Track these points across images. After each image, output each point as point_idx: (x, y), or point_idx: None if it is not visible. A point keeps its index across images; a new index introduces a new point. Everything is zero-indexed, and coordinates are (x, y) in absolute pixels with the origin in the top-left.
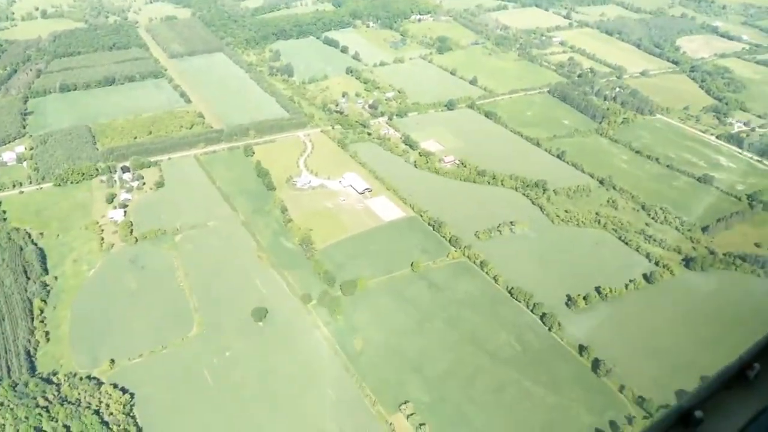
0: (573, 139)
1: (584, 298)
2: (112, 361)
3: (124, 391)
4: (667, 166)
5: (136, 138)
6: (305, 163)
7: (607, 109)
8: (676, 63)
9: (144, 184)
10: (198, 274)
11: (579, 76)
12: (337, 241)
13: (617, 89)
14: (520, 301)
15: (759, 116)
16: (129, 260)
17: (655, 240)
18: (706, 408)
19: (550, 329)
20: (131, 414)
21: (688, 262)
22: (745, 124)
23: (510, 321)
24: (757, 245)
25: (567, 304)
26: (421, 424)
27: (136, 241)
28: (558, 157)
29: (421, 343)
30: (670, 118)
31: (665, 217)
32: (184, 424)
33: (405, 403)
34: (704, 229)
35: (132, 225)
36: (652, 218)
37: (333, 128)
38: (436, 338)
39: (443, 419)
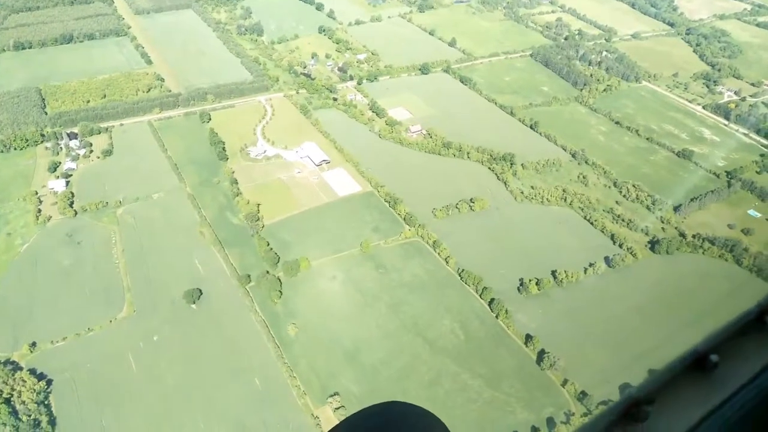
0: (550, 107)
1: (537, 283)
2: (33, 344)
3: (41, 377)
4: (647, 138)
5: (89, 102)
6: (262, 131)
7: (590, 75)
8: (671, 25)
9: (91, 152)
10: (135, 250)
11: (565, 38)
12: (286, 217)
13: (604, 53)
14: (469, 285)
15: (752, 84)
16: (65, 234)
17: (623, 220)
18: (722, 353)
19: (497, 316)
20: (46, 402)
21: (653, 245)
22: (735, 93)
23: (456, 307)
24: (729, 226)
25: (519, 289)
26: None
27: (76, 214)
28: (531, 127)
29: (360, 330)
30: (656, 85)
31: (637, 195)
32: (101, 414)
33: (333, 395)
34: (676, 209)
35: (73, 196)
36: (624, 196)
37: (297, 93)
38: (376, 324)
39: None
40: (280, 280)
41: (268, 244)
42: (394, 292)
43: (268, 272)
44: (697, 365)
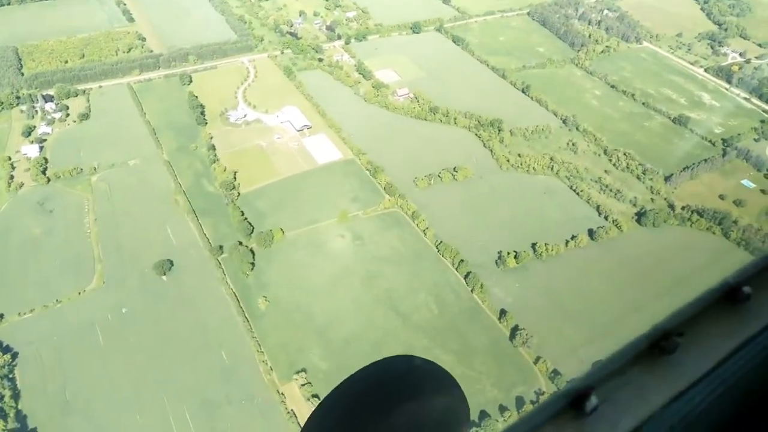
0: (544, 70)
1: (515, 256)
2: (0, 315)
3: (6, 350)
4: (643, 103)
5: (66, 62)
6: (244, 94)
7: (589, 36)
8: None
9: (68, 115)
10: (108, 220)
11: None
12: (264, 185)
13: (605, 12)
14: (446, 258)
15: (759, 45)
16: (37, 202)
17: (610, 190)
18: (755, 285)
19: (472, 291)
20: (10, 376)
21: (640, 217)
22: (740, 54)
23: (432, 280)
24: (721, 197)
25: (497, 262)
26: (313, 395)
27: (49, 181)
28: (523, 91)
29: (332, 304)
30: (658, 46)
31: (627, 164)
32: (65, 387)
33: (300, 371)
34: (667, 179)
35: (46, 162)
36: (614, 165)
37: (282, 53)
38: (349, 298)
39: None
40: (253, 252)
41: (243, 214)
42: (369, 264)
43: (240, 243)
44: (728, 297)
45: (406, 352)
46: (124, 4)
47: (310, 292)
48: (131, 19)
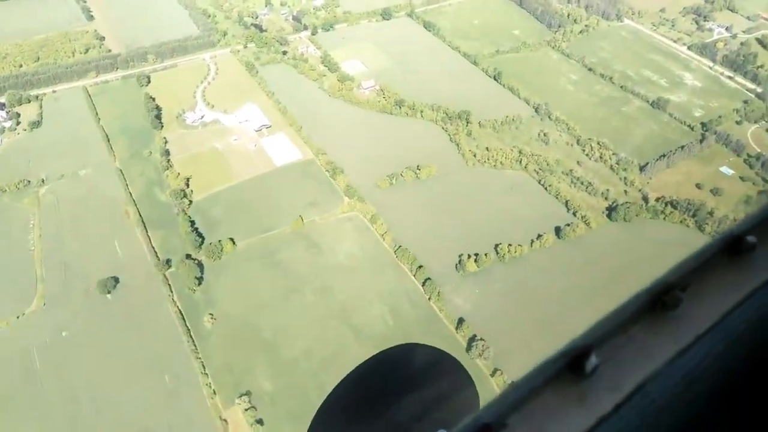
0: (518, 54)
1: (476, 260)
2: None
3: None
4: (621, 87)
5: (21, 67)
6: (203, 94)
7: (567, 15)
8: None
9: (18, 123)
10: (53, 235)
11: None
12: (218, 190)
13: None
14: (404, 264)
15: (748, 18)
16: None
17: (582, 183)
18: (760, 234)
19: (430, 299)
20: None
21: (611, 211)
22: (727, 29)
23: (388, 289)
24: (698, 186)
25: (457, 266)
26: (257, 420)
27: None
28: (494, 78)
29: (282, 318)
30: (640, 23)
31: (600, 154)
32: None
33: (243, 395)
34: (642, 168)
35: None
36: (587, 155)
37: (245, 47)
38: (301, 311)
39: (283, 414)
40: (201, 265)
41: (193, 224)
42: (324, 274)
43: (188, 256)
44: (733, 247)
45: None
46: (85, 2)
47: (260, 307)
48: (91, 18)
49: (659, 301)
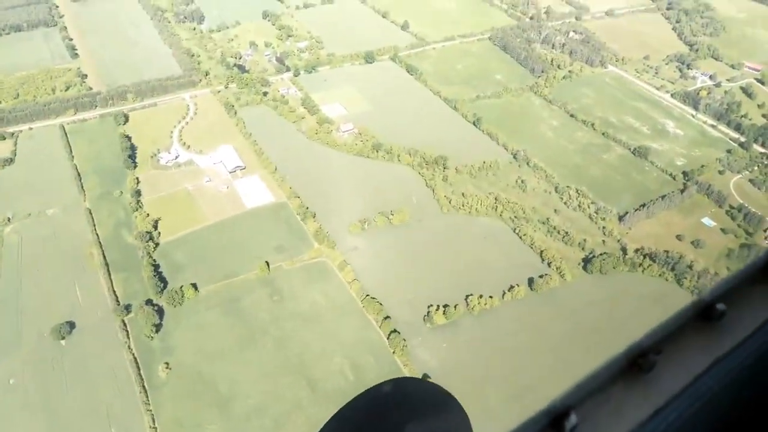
0: (500, 99)
1: (444, 312)
2: None
3: None
4: (603, 133)
5: (0, 103)
6: (180, 134)
7: (551, 61)
8: None
9: None
10: (13, 277)
11: (531, 17)
12: (186, 233)
13: (570, 34)
14: (370, 315)
15: (732, 66)
16: None
17: (558, 232)
18: (729, 301)
19: (394, 352)
20: None
21: (587, 263)
22: (710, 77)
23: (351, 341)
24: (679, 238)
25: (425, 318)
26: None
27: None
28: (474, 124)
29: (239, 370)
30: (624, 70)
31: (579, 202)
32: None
33: None
34: (621, 218)
35: None
36: (565, 203)
37: (226, 88)
38: (258, 363)
39: None
40: (161, 311)
41: (157, 268)
42: (285, 324)
43: (148, 302)
44: (703, 314)
45: (311, 429)
46: (70, 39)
47: (216, 357)
48: (75, 55)
49: (635, 364)
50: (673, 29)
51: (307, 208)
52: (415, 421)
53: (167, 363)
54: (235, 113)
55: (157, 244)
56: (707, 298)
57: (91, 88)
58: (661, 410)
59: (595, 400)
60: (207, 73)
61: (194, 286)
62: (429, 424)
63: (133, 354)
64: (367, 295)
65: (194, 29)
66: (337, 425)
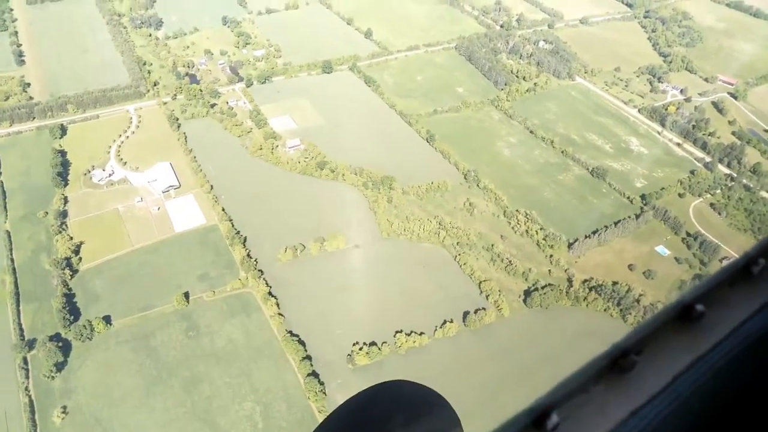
0: (458, 114)
1: (368, 351)
2: None
3: None
4: (562, 152)
5: None
6: (118, 149)
7: (516, 72)
8: (630, 6)
9: None
10: None
11: (501, 26)
12: (108, 259)
13: (540, 43)
14: (290, 354)
15: (705, 79)
16: None
17: (502, 261)
18: (708, 302)
19: (309, 397)
20: None
21: (527, 296)
22: (681, 91)
23: (266, 383)
24: (630, 267)
25: (348, 358)
26: None
27: None
28: (427, 141)
29: (141, 416)
30: (593, 82)
31: (527, 227)
32: None
33: None
34: (571, 245)
35: None
36: (512, 228)
37: (174, 99)
38: (162, 409)
39: None
40: (69, 347)
41: (71, 298)
42: (197, 363)
43: (54, 337)
44: (682, 315)
45: None
46: (19, 45)
47: (119, 401)
48: (21, 62)
49: (616, 364)
50: (648, 39)
51: (238, 232)
52: (406, 423)
53: (65, 407)
54: (179, 127)
55: (75, 271)
56: (687, 299)
57: (31, 98)
58: (641, 409)
59: (576, 400)
60: (156, 84)
61: (107, 319)
62: (420, 426)
63: (30, 396)
64: (289, 332)
65: (150, 36)
66: (329, 427)
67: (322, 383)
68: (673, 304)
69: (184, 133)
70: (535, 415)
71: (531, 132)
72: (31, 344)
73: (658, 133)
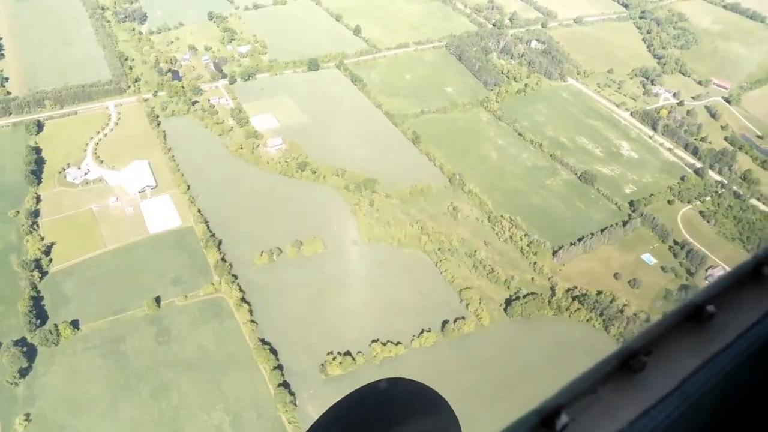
0: (446, 115)
1: (341, 361)
2: None
3: None
4: (551, 155)
5: None
6: (95, 147)
7: (507, 73)
8: (626, 6)
9: None
10: None
11: (494, 24)
12: (79, 261)
13: (533, 43)
14: (261, 362)
15: (699, 82)
16: None
17: (484, 268)
18: (718, 304)
19: (279, 408)
20: None
21: (508, 305)
22: (674, 95)
23: (235, 393)
24: (615, 276)
25: (321, 368)
26: None
27: None
28: (413, 142)
29: (106, 425)
30: (585, 84)
31: (511, 234)
32: None
33: None
34: (555, 253)
35: None
36: (496, 234)
37: (155, 96)
38: (129, 417)
39: None
40: (35, 352)
41: (39, 301)
42: (166, 370)
43: (19, 341)
44: (693, 316)
45: None
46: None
47: (85, 409)
48: (1, 56)
49: (625, 365)
50: (643, 40)
51: (213, 234)
52: (404, 421)
53: (28, 414)
54: (159, 124)
55: (45, 273)
56: (697, 300)
57: (9, 93)
58: (651, 410)
59: (585, 400)
60: (137, 80)
61: (75, 323)
62: (419, 425)
63: None
64: (261, 340)
65: (134, 30)
66: (326, 423)
67: (293, 394)
68: (684, 305)
69: (164, 131)
70: (544, 415)
71: (520, 134)
72: None
73: (650, 138)
